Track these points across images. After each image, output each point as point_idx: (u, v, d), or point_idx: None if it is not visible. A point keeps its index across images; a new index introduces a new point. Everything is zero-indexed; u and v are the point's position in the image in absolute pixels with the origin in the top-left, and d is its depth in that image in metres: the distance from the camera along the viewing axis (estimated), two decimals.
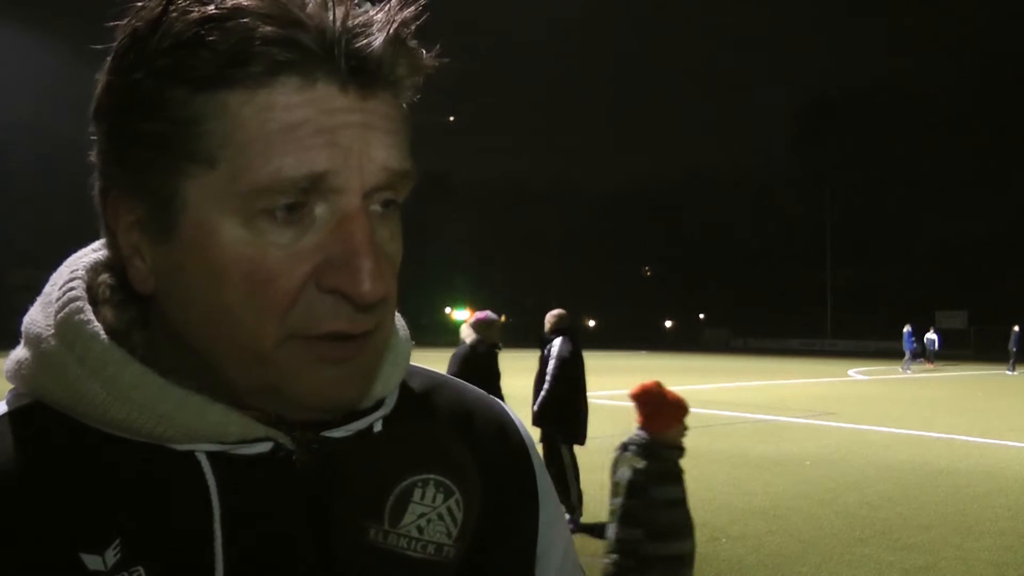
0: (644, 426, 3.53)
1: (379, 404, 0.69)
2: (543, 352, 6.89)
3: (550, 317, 7.01)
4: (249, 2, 0.53)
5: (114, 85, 0.57)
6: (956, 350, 46.43)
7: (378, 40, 0.55)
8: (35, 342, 0.62)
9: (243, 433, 0.60)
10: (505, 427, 0.78)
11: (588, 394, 6.97)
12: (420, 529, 0.58)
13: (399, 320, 0.73)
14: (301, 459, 0.63)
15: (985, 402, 18.28)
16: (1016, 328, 30.51)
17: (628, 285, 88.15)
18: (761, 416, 14.67)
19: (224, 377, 0.59)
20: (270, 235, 0.55)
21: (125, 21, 0.57)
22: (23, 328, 0.64)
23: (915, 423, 13.67)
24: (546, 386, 6.69)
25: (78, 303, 0.62)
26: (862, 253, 69.67)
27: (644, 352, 49.84)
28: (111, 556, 0.56)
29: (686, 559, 3.45)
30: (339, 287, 0.55)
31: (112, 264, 0.66)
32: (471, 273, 79.11)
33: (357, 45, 0.54)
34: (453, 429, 0.71)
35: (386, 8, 0.56)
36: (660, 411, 3.56)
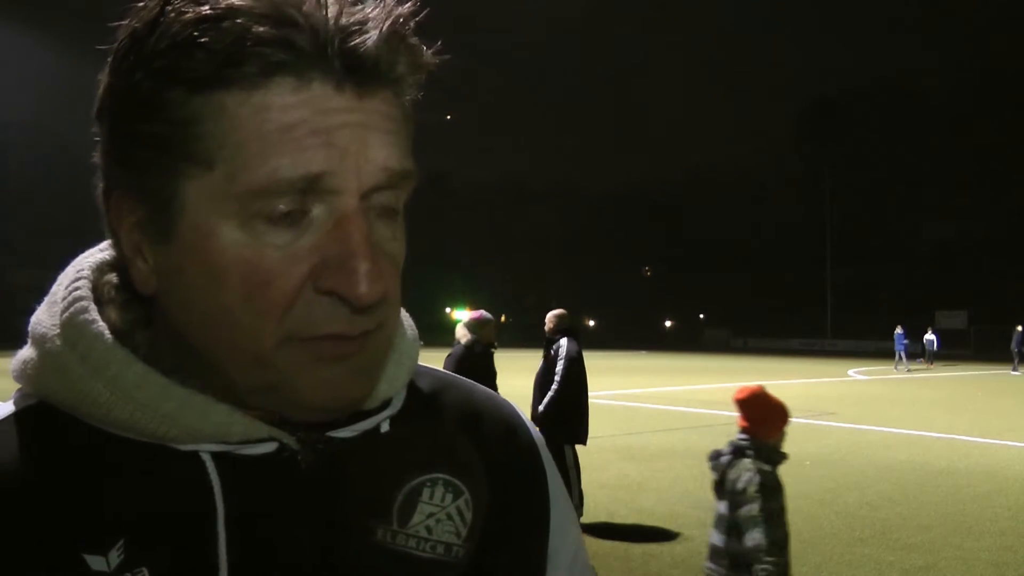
0: (750, 431, 3.45)
1: (386, 404, 0.68)
2: (548, 352, 6.87)
3: (552, 317, 7.01)
4: (244, 2, 0.53)
5: (114, 86, 0.57)
6: (956, 350, 46.46)
7: (372, 38, 0.54)
8: (40, 342, 0.62)
9: (247, 433, 0.60)
10: (515, 427, 0.78)
11: (588, 394, 6.96)
12: (429, 529, 0.58)
13: (407, 320, 0.72)
14: (306, 459, 0.62)
15: (985, 402, 18.28)
16: (1019, 328, 30.52)
17: (628, 285, 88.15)
18: None
19: (225, 378, 0.59)
20: (267, 236, 0.54)
21: (126, 22, 0.57)
22: (29, 328, 0.64)
23: (915, 423, 13.67)
24: (555, 386, 6.67)
25: (83, 303, 0.62)
26: (862, 253, 69.66)
27: (644, 352, 49.85)
28: (115, 557, 0.56)
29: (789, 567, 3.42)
30: (336, 289, 0.55)
31: (117, 264, 0.66)
32: (471, 273, 79.12)
33: (351, 44, 0.54)
34: (462, 429, 0.71)
35: (382, 5, 0.56)
36: (768, 417, 3.49)
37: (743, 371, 29.55)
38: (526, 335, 41.89)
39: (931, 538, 6.43)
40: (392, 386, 0.68)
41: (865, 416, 14.70)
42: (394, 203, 0.59)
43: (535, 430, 0.80)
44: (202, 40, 0.52)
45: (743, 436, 3.46)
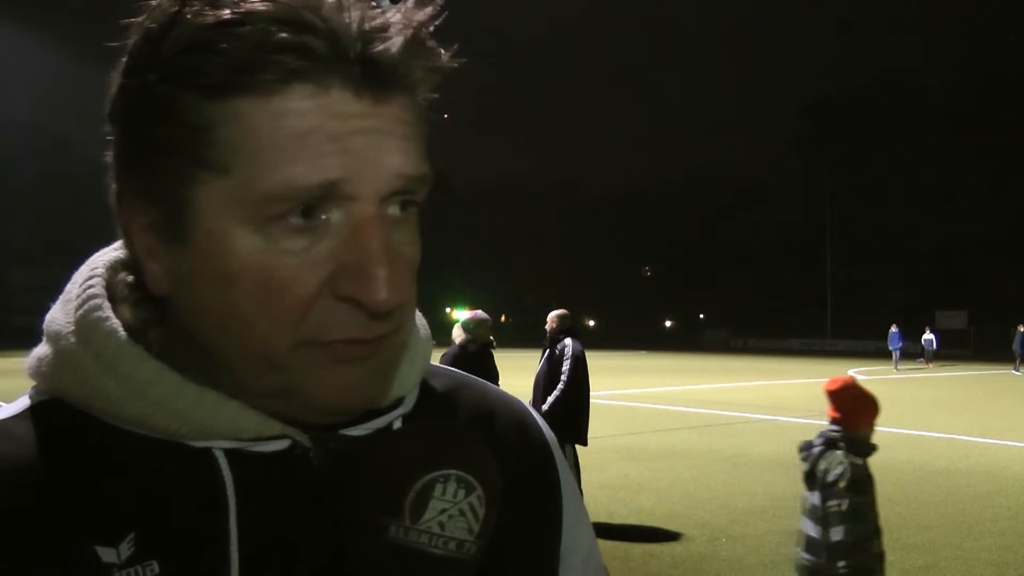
0: (842, 423, 3.43)
1: (398, 403, 0.68)
2: (553, 352, 6.86)
3: (554, 317, 6.99)
4: (263, 6, 0.52)
5: (127, 87, 0.56)
6: (956, 350, 46.44)
7: (395, 44, 0.54)
8: (55, 339, 0.62)
9: (259, 430, 0.60)
10: (528, 426, 0.78)
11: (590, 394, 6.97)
12: (442, 525, 0.58)
13: (420, 319, 0.72)
14: (318, 457, 0.62)
15: (985, 402, 18.29)
16: (1021, 328, 30.49)
17: (628, 285, 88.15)
18: (761, 416, 14.68)
19: (237, 380, 0.59)
20: (284, 243, 0.54)
21: (139, 20, 0.56)
22: (44, 326, 0.64)
23: (915, 423, 13.67)
24: (561, 386, 6.66)
25: (96, 300, 0.62)
26: (862, 253, 69.64)
27: (644, 352, 49.83)
28: (125, 549, 0.56)
29: (884, 557, 3.40)
30: (354, 295, 0.55)
31: (131, 263, 0.66)
32: (471, 273, 79.12)
33: (373, 50, 0.53)
34: (475, 428, 0.71)
35: (403, 9, 0.55)
36: (860, 408, 3.45)
37: (743, 371, 29.54)
38: (526, 335, 41.91)
39: (931, 538, 6.43)
40: (405, 385, 0.68)
41: None
42: (410, 207, 0.59)
43: (547, 429, 0.80)
44: (221, 45, 0.51)
45: (834, 428, 3.44)
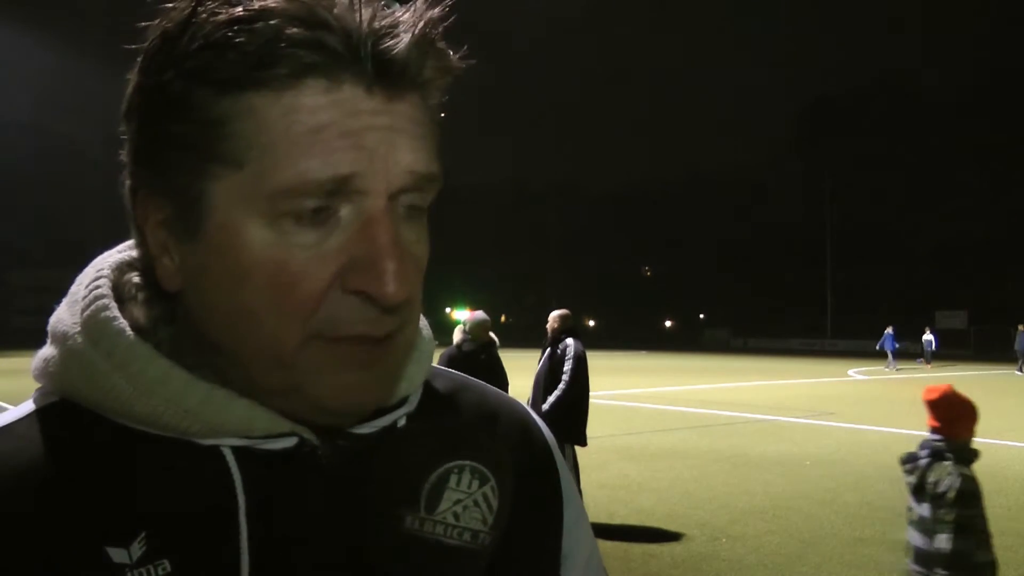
0: (943, 431, 3.41)
1: (403, 401, 0.69)
2: (554, 351, 6.85)
3: (556, 317, 6.97)
4: (277, 4, 0.53)
5: (144, 86, 0.57)
6: (956, 350, 46.43)
7: (404, 41, 0.55)
8: (62, 340, 0.62)
9: (268, 428, 0.60)
10: (529, 428, 0.78)
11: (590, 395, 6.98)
12: (456, 516, 0.58)
13: (422, 319, 0.73)
14: (327, 454, 0.63)
15: (985, 402, 18.13)
16: (1021, 328, 30.48)
17: (628, 285, 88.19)
18: (761, 416, 14.66)
19: (247, 377, 0.59)
20: (295, 237, 0.55)
21: (156, 22, 0.57)
22: (50, 327, 0.64)
23: (915, 423, 13.63)
24: (563, 386, 6.65)
25: (104, 300, 0.63)
26: (862, 253, 69.65)
27: (644, 352, 49.83)
28: (136, 549, 0.56)
29: (996, 564, 3.41)
30: (364, 288, 0.55)
31: (139, 263, 0.66)
32: (471, 273, 79.11)
33: (383, 46, 0.54)
34: (479, 427, 0.72)
35: (413, 9, 0.56)
36: (960, 416, 3.44)
37: (743, 371, 29.54)
38: (526, 335, 41.90)
39: None
40: (410, 384, 0.68)
41: (865, 416, 14.69)
42: (420, 206, 0.60)
43: (547, 431, 0.80)
44: (236, 41, 0.53)
45: (936, 437, 3.43)
